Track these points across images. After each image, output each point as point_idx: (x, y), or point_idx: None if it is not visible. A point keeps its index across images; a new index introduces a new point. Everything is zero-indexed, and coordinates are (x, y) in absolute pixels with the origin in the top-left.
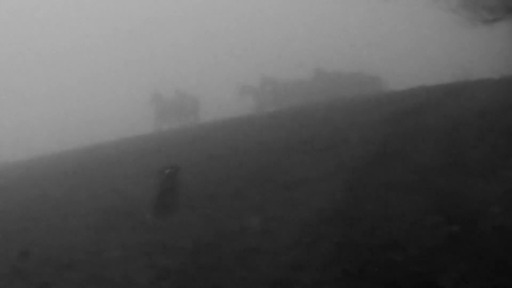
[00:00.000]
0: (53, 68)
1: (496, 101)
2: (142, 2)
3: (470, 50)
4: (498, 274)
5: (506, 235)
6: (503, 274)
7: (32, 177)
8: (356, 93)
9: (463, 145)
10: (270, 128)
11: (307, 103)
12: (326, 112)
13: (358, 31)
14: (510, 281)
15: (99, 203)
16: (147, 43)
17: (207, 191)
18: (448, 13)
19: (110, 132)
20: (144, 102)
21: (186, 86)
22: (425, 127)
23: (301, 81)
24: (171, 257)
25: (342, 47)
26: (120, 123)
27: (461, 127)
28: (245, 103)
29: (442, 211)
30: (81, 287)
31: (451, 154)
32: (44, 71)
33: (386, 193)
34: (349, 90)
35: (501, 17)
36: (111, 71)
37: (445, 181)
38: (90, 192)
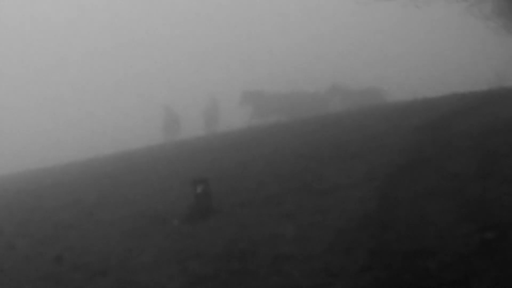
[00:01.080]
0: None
1: None
2: (147, 14)
3: (504, 58)
4: None
5: None
6: None
7: (64, 183)
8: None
9: (497, 153)
10: (301, 135)
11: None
12: (358, 119)
13: (387, 39)
14: None
15: (132, 209)
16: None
17: (239, 198)
18: (482, 20)
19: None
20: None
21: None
22: (459, 135)
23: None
24: (204, 264)
25: (369, 55)
26: (125, 133)
27: (494, 135)
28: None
29: (475, 219)
30: None
31: (485, 161)
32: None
33: (419, 200)
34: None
35: None
36: (120, 81)
37: (478, 189)
38: (122, 198)
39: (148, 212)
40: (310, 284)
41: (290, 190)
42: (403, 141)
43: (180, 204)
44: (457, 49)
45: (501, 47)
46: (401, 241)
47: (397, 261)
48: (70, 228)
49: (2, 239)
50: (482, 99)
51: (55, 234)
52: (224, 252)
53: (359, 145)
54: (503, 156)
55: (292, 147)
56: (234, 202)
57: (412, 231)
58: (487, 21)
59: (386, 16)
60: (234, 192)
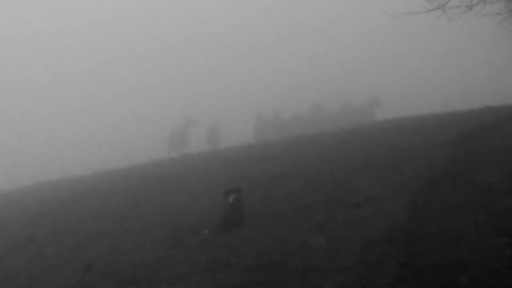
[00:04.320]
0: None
1: None
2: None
3: None
4: None
5: None
6: None
7: (94, 192)
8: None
9: None
10: (332, 147)
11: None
12: (389, 132)
13: (416, 52)
14: None
15: (163, 219)
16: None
17: (271, 209)
18: None
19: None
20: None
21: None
22: (490, 148)
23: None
24: (234, 274)
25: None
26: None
27: None
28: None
29: (507, 232)
30: None
31: None
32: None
33: (450, 213)
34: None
35: None
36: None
37: (509, 202)
38: (153, 208)
39: (179, 222)
40: None
41: (320, 202)
42: (434, 155)
43: (211, 214)
44: (489, 64)
45: None
46: (432, 254)
47: (428, 274)
48: (101, 237)
49: (33, 247)
50: None
51: (85, 243)
52: (254, 262)
53: (390, 158)
54: None
55: (323, 159)
56: (265, 212)
57: (443, 244)
58: None
59: (417, 29)
60: (265, 202)
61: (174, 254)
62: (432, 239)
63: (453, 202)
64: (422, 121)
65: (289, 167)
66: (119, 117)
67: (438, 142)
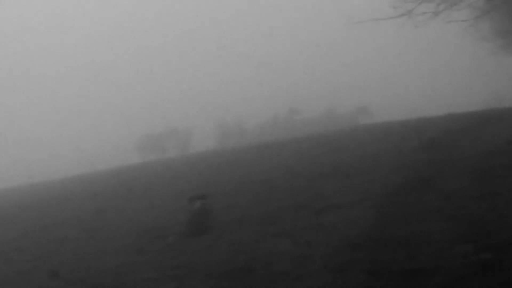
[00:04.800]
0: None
1: None
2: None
3: (502, 78)
4: None
5: None
6: None
7: (60, 198)
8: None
9: (494, 174)
10: (298, 153)
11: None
12: (355, 139)
13: (381, 59)
14: None
15: (128, 225)
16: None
17: (237, 215)
18: (480, 41)
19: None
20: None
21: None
22: (456, 155)
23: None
24: (200, 281)
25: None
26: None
27: (491, 156)
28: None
29: (473, 239)
30: None
31: (483, 182)
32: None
33: (416, 220)
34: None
35: None
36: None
37: (476, 209)
38: (118, 214)
39: (144, 228)
40: None
41: (287, 208)
42: (400, 161)
43: (176, 220)
44: (454, 70)
45: (499, 67)
46: (398, 261)
47: (394, 281)
48: (66, 243)
49: None
50: (478, 119)
51: (51, 249)
52: (220, 269)
53: (357, 164)
54: (500, 177)
55: (289, 165)
56: (230, 219)
57: (409, 251)
58: (485, 42)
59: (381, 36)
60: (231, 209)
61: (140, 260)
62: (398, 245)
63: (419, 208)
64: (388, 128)
65: (256, 174)
66: (83, 125)
67: (403, 149)
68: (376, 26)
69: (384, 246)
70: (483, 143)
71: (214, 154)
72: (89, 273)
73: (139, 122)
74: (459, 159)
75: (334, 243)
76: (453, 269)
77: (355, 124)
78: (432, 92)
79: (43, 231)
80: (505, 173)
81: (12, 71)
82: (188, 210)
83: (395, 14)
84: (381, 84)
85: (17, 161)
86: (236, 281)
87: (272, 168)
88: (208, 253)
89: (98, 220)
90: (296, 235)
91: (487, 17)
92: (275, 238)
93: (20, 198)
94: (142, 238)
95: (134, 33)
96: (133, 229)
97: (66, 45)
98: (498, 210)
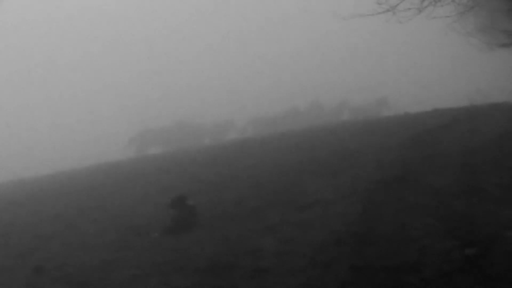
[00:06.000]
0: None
1: None
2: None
3: (486, 74)
4: None
5: None
6: None
7: (45, 194)
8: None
9: (478, 169)
10: (283, 149)
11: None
12: (339, 134)
13: (367, 55)
14: None
15: (113, 222)
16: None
17: (221, 212)
18: (464, 37)
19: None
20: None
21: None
22: (441, 151)
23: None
24: (184, 277)
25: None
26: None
27: (475, 151)
28: None
29: (457, 235)
30: None
31: (467, 178)
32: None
33: (400, 215)
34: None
35: None
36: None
37: (460, 205)
38: (103, 210)
39: (128, 224)
40: None
41: (271, 204)
42: (385, 157)
43: (160, 217)
44: (439, 66)
45: (483, 63)
46: (382, 257)
47: (378, 277)
48: (50, 239)
49: None
50: (463, 115)
51: (35, 246)
52: (205, 265)
53: (341, 160)
54: (484, 173)
55: (274, 161)
56: (215, 215)
57: (393, 246)
58: (469, 38)
59: (366, 32)
60: (215, 205)
61: (124, 257)
62: (382, 241)
63: (403, 204)
64: (371, 124)
65: (239, 170)
66: (72, 119)
67: (388, 145)
68: (362, 22)
69: (368, 241)
70: (468, 138)
71: (204, 149)
72: (74, 270)
73: (143, 117)
74: (444, 154)
75: (319, 238)
76: (438, 264)
77: (340, 120)
78: (418, 88)
79: (27, 228)
80: (487, 169)
81: (8, 65)
82: (171, 212)
83: (380, 10)
84: (366, 80)
85: (11, 156)
86: (220, 277)
87: (256, 165)
88: (193, 250)
89: (81, 216)
90: (281, 231)
91: (471, 13)
92: (259, 234)
93: (4, 194)
94: (126, 235)
95: (136, 27)
96: (117, 225)
97: (65, 40)
98: (481, 205)
